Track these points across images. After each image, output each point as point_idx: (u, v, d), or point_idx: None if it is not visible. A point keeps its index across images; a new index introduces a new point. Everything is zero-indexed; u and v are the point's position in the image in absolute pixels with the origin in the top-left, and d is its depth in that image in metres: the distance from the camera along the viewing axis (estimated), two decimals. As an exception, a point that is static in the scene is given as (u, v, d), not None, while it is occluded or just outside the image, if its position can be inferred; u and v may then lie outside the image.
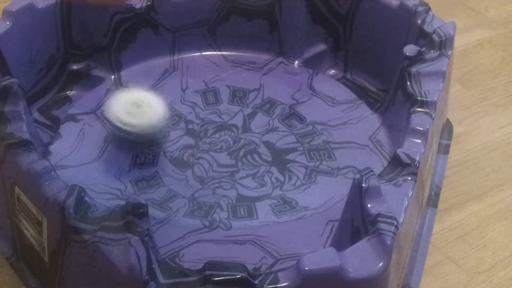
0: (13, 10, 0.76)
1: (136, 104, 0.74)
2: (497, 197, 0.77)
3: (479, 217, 0.74)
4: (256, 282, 0.50)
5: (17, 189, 0.62)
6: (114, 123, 0.74)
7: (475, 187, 0.78)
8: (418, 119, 0.67)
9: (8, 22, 0.76)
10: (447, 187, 0.77)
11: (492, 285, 0.67)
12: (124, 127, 0.73)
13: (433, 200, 0.75)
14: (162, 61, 0.90)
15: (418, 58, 0.74)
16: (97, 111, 0.82)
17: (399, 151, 0.62)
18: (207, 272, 0.49)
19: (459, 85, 0.92)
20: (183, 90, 0.86)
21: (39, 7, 0.79)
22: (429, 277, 0.68)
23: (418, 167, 0.61)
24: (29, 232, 0.63)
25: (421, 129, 0.65)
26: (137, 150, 0.76)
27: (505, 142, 0.84)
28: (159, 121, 0.75)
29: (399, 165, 0.61)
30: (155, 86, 0.87)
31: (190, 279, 0.50)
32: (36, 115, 0.81)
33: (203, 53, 0.92)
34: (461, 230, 0.73)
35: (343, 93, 0.87)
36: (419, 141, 0.64)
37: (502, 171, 0.80)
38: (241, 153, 0.78)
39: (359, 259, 0.52)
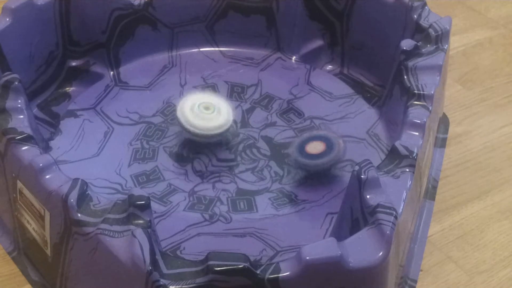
0: (13, 7, 0.77)
1: (206, 107, 0.74)
2: (497, 197, 0.77)
3: (479, 217, 0.74)
4: (258, 272, 0.50)
5: (19, 183, 0.62)
6: (184, 125, 0.74)
7: (475, 187, 0.78)
8: (415, 112, 0.68)
9: (7, 19, 0.77)
10: (447, 187, 0.78)
11: (492, 285, 0.68)
12: (192, 129, 0.74)
13: (431, 193, 0.76)
14: (160, 57, 0.91)
15: (414, 52, 0.75)
16: (97, 107, 0.83)
17: (397, 143, 0.63)
18: (210, 262, 0.50)
19: (459, 85, 0.93)
20: (182, 86, 0.87)
21: (38, 3, 0.80)
22: (429, 277, 0.68)
23: (416, 159, 0.62)
24: (31, 226, 0.63)
25: (419, 121, 0.66)
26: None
27: (505, 142, 0.84)
28: (225, 124, 0.75)
29: (397, 157, 0.62)
30: (154, 82, 0.87)
31: (193, 269, 0.51)
32: (36, 111, 0.82)
33: (201, 49, 0.92)
34: (461, 230, 0.73)
35: (340, 88, 0.88)
36: (417, 133, 0.65)
37: (502, 171, 0.80)
38: (240, 147, 0.78)
39: (359, 248, 0.52)
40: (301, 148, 0.73)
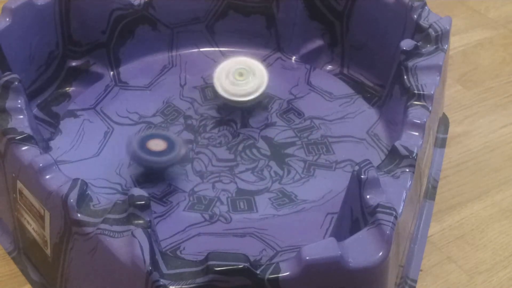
0: (13, 7, 0.77)
1: (239, 73, 0.78)
2: (497, 197, 0.77)
3: (479, 217, 0.74)
4: (258, 272, 0.50)
5: (19, 184, 0.62)
6: (221, 94, 0.78)
7: (475, 187, 0.78)
8: (415, 112, 0.68)
9: (7, 19, 0.76)
10: (447, 187, 0.78)
11: (492, 285, 0.68)
12: (229, 97, 0.78)
13: (431, 193, 0.76)
14: (160, 57, 0.91)
15: (414, 52, 0.75)
16: (97, 107, 0.83)
17: (397, 143, 0.63)
18: (210, 262, 0.50)
19: (459, 85, 0.93)
20: (182, 86, 0.87)
21: (38, 3, 0.80)
22: (429, 277, 0.68)
23: (416, 159, 0.62)
24: (31, 226, 0.63)
25: (419, 122, 0.66)
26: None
27: (505, 142, 0.84)
28: (260, 88, 0.78)
29: (397, 157, 0.62)
30: (154, 82, 0.87)
31: (193, 269, 0.51)
32: (36, 111, 0.82)
33: (201, 49, 0.92)
34: (461, 230, 0.73)
35: (340, 88, 0.88)
36: (417, 133, 0.65)
37: (502, 171, 0.80)
38: (240, 147, 0.78)
39: (359, 248, 0.52)
40: (142, 143, 0.73)
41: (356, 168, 0.58)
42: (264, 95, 0.81)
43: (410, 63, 0.74)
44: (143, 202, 0.54)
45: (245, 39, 0.92)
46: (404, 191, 0.59)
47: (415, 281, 0.67)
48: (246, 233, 0.68)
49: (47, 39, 0.82)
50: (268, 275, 0.50)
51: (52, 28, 0.82)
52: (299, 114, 0.83)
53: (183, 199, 0.72)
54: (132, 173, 0.74)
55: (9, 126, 0.65)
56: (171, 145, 0.73)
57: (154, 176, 0.74)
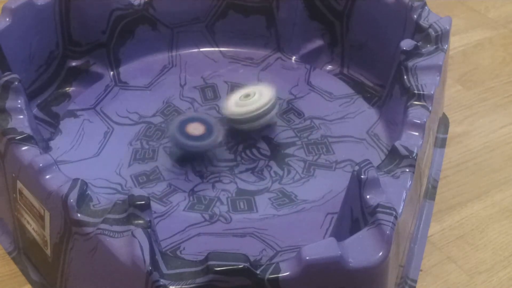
0: (13, 7, 0.77)
1: (246, 95, 0.78)
2: (497, 197, 0.77)
3: (479, 217, 0.74)
4: (258, 272, 0.50)
5: (19, 184, 0.62)
6: (226, 115, 0.78)
7: (475, 187, 0.78)
8: (415, 112, 0.68)
9: (7, 19, 0.77)
10: (447, 187, 0.78)
11: (492, 285, 0.68)
12: (233, 117, 0.77)
13: (431, 193, 0.76)
14: (160, 57, 0.91)
15: (414, 52, 0.75)
16: (97, 107, 0.83)
17: (397, 143, 0.63)
18: (210, 263, 0.50)
19: (459, 85, 0.93)
20: (182, 86, 0.87)
21: (38, 3, 0.80)
22: (429, 277, 0.68)
23: (416, 159, 0.62)
24: (31, 226, 0.63)
25: (419, 122, 0.66)
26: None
27: (505, 142, 0.84)
28: (266, 106, 0.77)
29: (397, 157, 0.62)
30: (154, 82, 0.87)
31: (193, 269, 0.51)
32: (36, 111, 0.82)
33: (201, 49, 0.93)
34: (461, 230, 0.73)
35: (340, 88, 0.88)
36: (417, 133, 0.65)
37: (502, 171, 0.80)
38: (240, 148, 0.78)
39: (359, 248, 0.52)
40: (182, 128, 0.74)
41: (356, 168, 0.59)
42: (273, 118, 0.79)
43: (410, 63, 0.74)
44: (143, 202, 0.54)
45: (245, 39, 0.92)
46: (404, 191, 0.59)
47: (415, 281, 0.67)
48: (246, 233, 0.68)
49: (47, 39, 0.82)
50: (268, 275, 0.50)
51: (52, 28, 0.82)
52: (299, 114, 0.83)
53: (183, 199, 0.72)
54: (132, 173, 0.74)
55: (9, 126, 0.65)
56: (209, 129, 0.74)
57: (155, 176, 0.74)
